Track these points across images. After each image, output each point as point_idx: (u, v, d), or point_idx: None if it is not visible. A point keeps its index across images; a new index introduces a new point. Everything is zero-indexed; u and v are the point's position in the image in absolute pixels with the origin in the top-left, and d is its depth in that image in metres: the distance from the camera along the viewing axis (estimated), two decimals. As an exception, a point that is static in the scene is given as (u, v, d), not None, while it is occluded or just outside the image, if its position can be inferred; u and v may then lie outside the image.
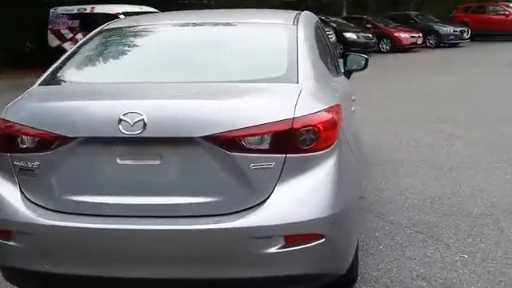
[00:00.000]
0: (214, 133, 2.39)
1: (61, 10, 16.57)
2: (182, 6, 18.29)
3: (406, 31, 22.79)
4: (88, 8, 15.99)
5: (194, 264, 2.44)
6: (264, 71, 2.90)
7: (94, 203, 2.49)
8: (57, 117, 2.56)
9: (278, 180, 2.44)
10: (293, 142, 2.43)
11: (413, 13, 27.55)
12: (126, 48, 3.38)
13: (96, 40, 3.35)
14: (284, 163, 2.43)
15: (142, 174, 2.50)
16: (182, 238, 2.42)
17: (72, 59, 3.15)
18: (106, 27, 3.55)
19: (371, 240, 3.91)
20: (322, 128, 2.48)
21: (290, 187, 2.44)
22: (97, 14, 15.60)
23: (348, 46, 20.67)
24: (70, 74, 3.04)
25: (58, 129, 2.48)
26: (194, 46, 3.28)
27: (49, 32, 16.63)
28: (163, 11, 15.47)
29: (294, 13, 3.66)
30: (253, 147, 2.41)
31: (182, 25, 3.61)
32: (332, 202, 2.51)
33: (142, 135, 2.40)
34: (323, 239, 2.46)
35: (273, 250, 2.40)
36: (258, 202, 2.43)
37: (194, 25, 3.57)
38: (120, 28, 3.52)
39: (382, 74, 15.50)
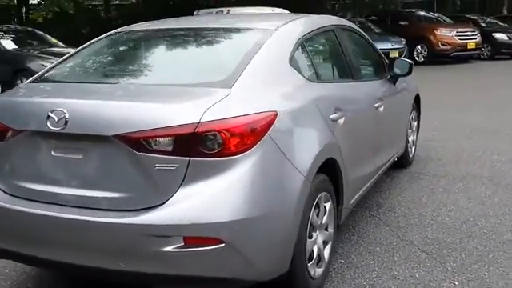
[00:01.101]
0: (124, 132, 2.54)
1: (202, 12, 17.41)
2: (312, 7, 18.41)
3: None
4: (225, 10, 16.60)
5: (98, 254, 2.61)
6: (208, 75, 2.97)
7: (33, 190, 2.78)
8: (10, 111, 2.90)
9: (182, 182, 2.51)
10: (196, 146, 2.49)
11: None
12: (103, 51, 3.61)
13: (97, 43, 3.66)
14: (188, 166, 2.50)
15: (70, 167, 2.73)
16: (87, 228, 2.59)
17: (67, 59, 3.48)
18: (118, 30, 3.84)
19: (367, 253, 3.76)
20: (228, 134, 2.50)
21: (193, 190, 2.51)
22: (231, 15, 16.23)
23: (497, 47, 19.25)
24: (51, 74, 3.34)
25: (9, 122, 2.81)
26: (162, 50, 3.46)
27: None
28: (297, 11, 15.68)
29: (292, 17, 3.65)
30: (157, 148, 2.51)
31: (169, 31, 3.77)
32: (237, 209, 2.52)
33: (64, 131, 2.64)
34: (223, 244, 2.49)
35: (170, 248, 2.48)
36: (161, 201, 2.52)
37: (180, 31, 3.72)
38: (118, 33, 3.78)
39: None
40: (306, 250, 3.00)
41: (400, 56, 16.47)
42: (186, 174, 2.50)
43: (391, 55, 16.35)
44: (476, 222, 4.27)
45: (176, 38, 3.63)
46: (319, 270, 3.23)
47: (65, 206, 2.68)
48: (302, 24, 3.66)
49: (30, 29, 14.24)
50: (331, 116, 3.32)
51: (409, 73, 4.73)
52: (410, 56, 16.80)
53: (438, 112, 8.47)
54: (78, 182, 2.69)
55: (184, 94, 2.77)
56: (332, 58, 4.05)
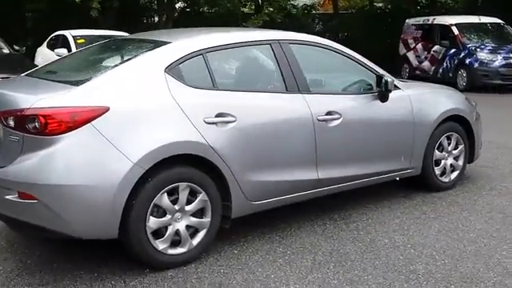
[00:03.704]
0: None
1: (412, 21, 17.37)
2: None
3: None
4: (431, 19, 16.35)
5: None
6: (82, 75, 3.75)
7: None
8: None
9: (21, 150, 3.36)
10: (25, 125, 3.32)
11: None
12: (75, 53, 4.94)
13: (94, 46, 4.87)
14: (23, 139, 3.35)
15: None
16: None
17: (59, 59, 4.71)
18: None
19: (263, 251, 3.88)
20: (46, 119, 3.27)
21: (26, 157, 3.34)
22: (435, 24, 15.97)
23: None
24: (33, 70, 4.44)
25: None
26: (93, 55, 4.53)
27: (400, 41, 17.69)
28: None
29: (208, 31, 4.48)
30: (9, 124, 3.41)
31: (118, 40, 4.91)
32: (50, 176, 3.27)
33: None
34: (36, 200, 3.28)
35: (10, 198, 3.36)
36: (10, 163, 3.40)
37: (139, 41, 4.61)
38: (112, 39, 4.97)
39: None
40: (146, 225, 3.49)
41: None
42: (23, 145, 3.35)
43: None
44: (422, 250, 3.92)
45: (112, 46, 4.70)
46: (180, 250, 3.66)
47: None
48: (210, 38, 4.16)
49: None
50: (206, 119, 3.69)
51: (386, 89, 4.58)
52: None
53: None
54: None
55: (48, 88, 3.64)
56: (251, 70, 4.41)
